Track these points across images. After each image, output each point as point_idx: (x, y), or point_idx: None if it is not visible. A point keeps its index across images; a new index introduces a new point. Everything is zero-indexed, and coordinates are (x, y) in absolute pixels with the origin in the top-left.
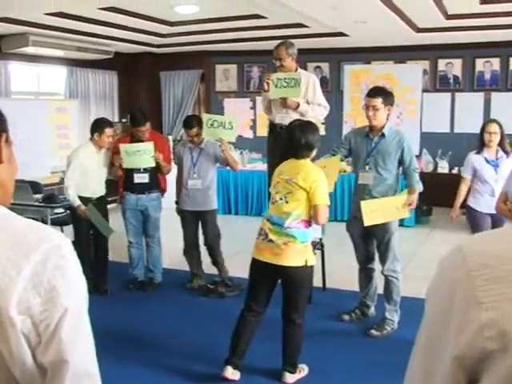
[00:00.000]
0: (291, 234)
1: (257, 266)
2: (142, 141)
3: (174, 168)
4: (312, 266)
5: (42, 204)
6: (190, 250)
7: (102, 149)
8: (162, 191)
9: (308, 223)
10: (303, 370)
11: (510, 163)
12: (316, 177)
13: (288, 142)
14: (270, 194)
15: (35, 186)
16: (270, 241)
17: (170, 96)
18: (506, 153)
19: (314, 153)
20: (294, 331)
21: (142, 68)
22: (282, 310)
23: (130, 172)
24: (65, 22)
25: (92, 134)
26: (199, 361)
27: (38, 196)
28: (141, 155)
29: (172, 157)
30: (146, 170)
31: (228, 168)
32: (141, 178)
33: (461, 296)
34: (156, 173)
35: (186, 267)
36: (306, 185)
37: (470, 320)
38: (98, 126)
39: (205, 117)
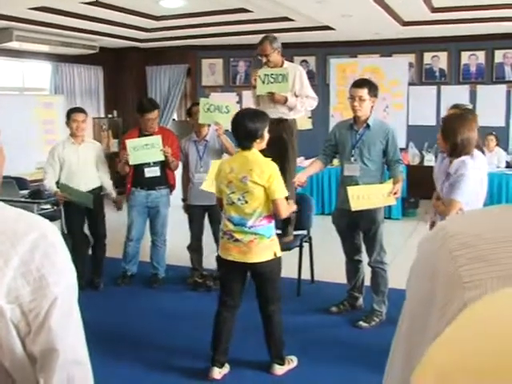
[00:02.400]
0: (256, 233)
1: (225, 264)
2: (151, 135)
3: (180, 165)
4: (280, 257)
5: (28, 200)
6: (195, 245)
7: (81, 141)
8: (171, 187)
9: (271, 217)
10: (292, 362)
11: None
12: (271, 171)
13: (232, 132)
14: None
15: (21, 182)
16: (237, 240)
17: (156, 91)
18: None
19: (263, 144)
20: (273, 323)
21: (127, 63)
22: (259, 304)
23: (138, 167)
24: (49, 17)
25: (67, 125)
26: (191, 355)
27: (25, 192)
28: (149, 149)
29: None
30: (155, 164)
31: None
32: (152, 172)
33: (443, 276)
34: (165, 168)
35: (187, 263)
36: (263, 181)
37: (453, 300)
38: (66, 115)
39: (202, 101)
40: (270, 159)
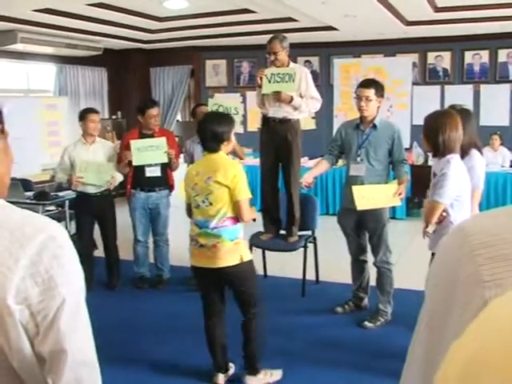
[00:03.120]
0: (218, 234)
1: (198, 272)
2: (151, 136)
3: (182, 165)
4: (250, 261)
5: (33, 201)
6: None
7: (93, 141)
8: (171, 188)
9: (235, 219)
10: (272, 376)
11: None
12: (236, 171)
13: (199, 136)
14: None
15: (26, 184)
16: (201, 246)
17: (160, 92)
18: (462, 150)
19: (230, 147)
20: (252, 327)
21: (131, 64)
22: (239, 308)
23: (139, 168)
24: (53, 19)
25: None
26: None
27: (30, 193)
28: (154, 151)
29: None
30: (156, 164)
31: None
32: (153, 172)
33: (464, 276)
34: (165, 168)
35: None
36: (227, 181)
37: (473, 299)
38: (80, 115)
39: (211, 101)
40: (237, 161)
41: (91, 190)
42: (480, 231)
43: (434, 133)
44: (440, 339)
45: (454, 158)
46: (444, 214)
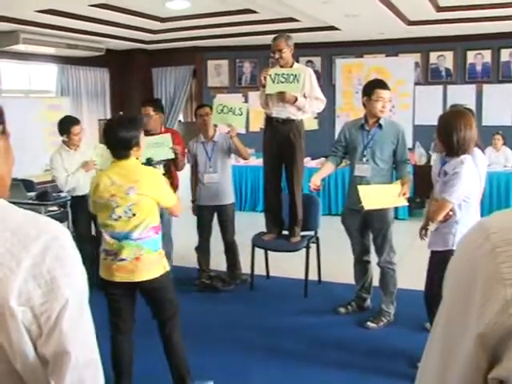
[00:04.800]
0: (142, 246)
1: (111, 286)
2: (155, 135)
3: (187, 166)
4: (169, 271)
5: (35, 202)
6: (204, 246)
7: (76, 148)
8: (175, 188)
9: (158, 229)
10: None
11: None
12: (158, 179)
13: (105, 142)
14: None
15: (28, 184)
16: (122, 260)
17: (162, 92)
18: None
19: (139, 152)
20: (173, 340)
21: (133, 65)
22: (157, 323)
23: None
24: (55, 20)
25: (61, 135)
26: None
27: (32, 194)
28: (159, 147)
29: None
30: (160, 163)
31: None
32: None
33: (484, 273)
34: (169, 168)
35: (194, 264)
36: (152, 192)
37: (493, 297)
38: (61, 129)
39: (216, 102)
40: (153, 167)
41: (83, 193)
42: (502, 228)
43: (449, 132)
44: (458, 338)
45: (468, 159)
46: (450, 213)
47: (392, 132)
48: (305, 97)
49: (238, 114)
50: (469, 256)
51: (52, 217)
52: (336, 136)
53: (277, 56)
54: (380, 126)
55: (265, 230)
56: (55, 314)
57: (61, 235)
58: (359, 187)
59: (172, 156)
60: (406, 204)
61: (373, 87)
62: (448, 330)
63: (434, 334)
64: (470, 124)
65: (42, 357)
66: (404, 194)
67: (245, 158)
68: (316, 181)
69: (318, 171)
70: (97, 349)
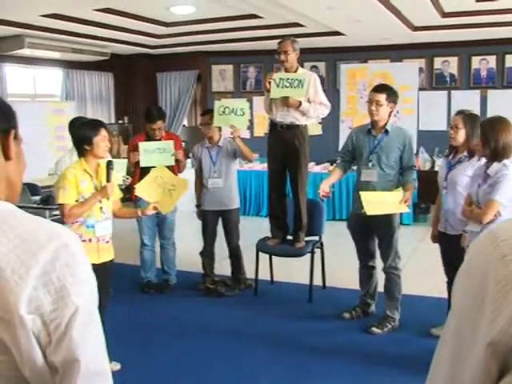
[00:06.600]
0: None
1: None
2: (158, 140)
3: (191, 171)
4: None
5: (40, 206)
6: (209, 251)
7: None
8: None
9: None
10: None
11: (472, 166)
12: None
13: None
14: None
15: (33, 188)
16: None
17: (166, 97)
18: (471, 154)
19: (95, 150)
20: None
21: (138, 69)
22: None
23: (145, 171)
24: (60, 24)
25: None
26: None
27: (36, 198)
28: (161, 153)
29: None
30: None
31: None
32: None
33: (495, 280)
34: (173, 170)
35: (198, 269)
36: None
37: (505, 304)
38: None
39: (217, 104)
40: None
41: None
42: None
43: (494, 138)
44: (470, 343)
45: (509, 163)
46: (497, 214)
47: (399, 138)
48: (309, 102)
49: (239, 115)
50: (480, 262)
51: (56, 221)
52: (340, 141)
53: (282, 57)
54: (386, 131)
55: (269, 234)
56: (65, 321)
57: (71, 242)
58: (361, 193)
59: (173, 163)
60: (408, 211)
61: (370, 91)
62: (458, 337)
63: (444, 341)
64: (510, 130)
65: (52, 365)
66: (405, 202)
67: (249, 160)
68: (325, 187)
69: (326, 178)
70: (107, 357)
